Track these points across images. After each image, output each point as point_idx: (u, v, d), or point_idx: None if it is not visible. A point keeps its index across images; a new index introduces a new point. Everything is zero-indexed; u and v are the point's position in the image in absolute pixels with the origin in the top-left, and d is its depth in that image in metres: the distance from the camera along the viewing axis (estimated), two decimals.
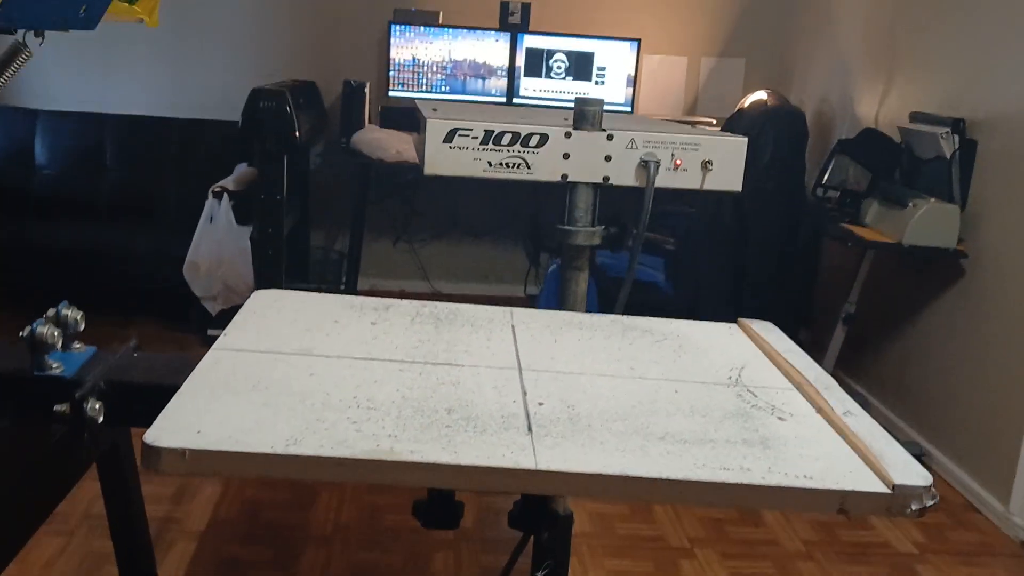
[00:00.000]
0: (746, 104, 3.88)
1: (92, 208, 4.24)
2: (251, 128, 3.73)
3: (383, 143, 3.90)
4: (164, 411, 0.92)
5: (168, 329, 3.90)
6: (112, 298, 3.83)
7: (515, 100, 4.29)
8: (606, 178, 1.57)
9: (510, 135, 1.53)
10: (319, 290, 4.50)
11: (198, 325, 3.81)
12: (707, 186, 1.58)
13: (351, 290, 4.54)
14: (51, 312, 1.09)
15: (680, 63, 4.48)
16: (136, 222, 4.17)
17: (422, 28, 4.20)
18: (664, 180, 1.57)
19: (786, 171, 3.53)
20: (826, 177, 3.53)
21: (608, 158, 1.56)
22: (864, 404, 3.59)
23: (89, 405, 1.02)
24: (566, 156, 1.55)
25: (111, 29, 4.35)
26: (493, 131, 1.53)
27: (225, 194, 3.74)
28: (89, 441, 1.08)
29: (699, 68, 4.52)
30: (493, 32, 4.24)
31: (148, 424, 0.89)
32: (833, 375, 3.57)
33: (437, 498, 1.14)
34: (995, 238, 2.96)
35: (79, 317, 1.12)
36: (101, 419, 1.03)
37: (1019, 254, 2.84)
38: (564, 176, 1.56)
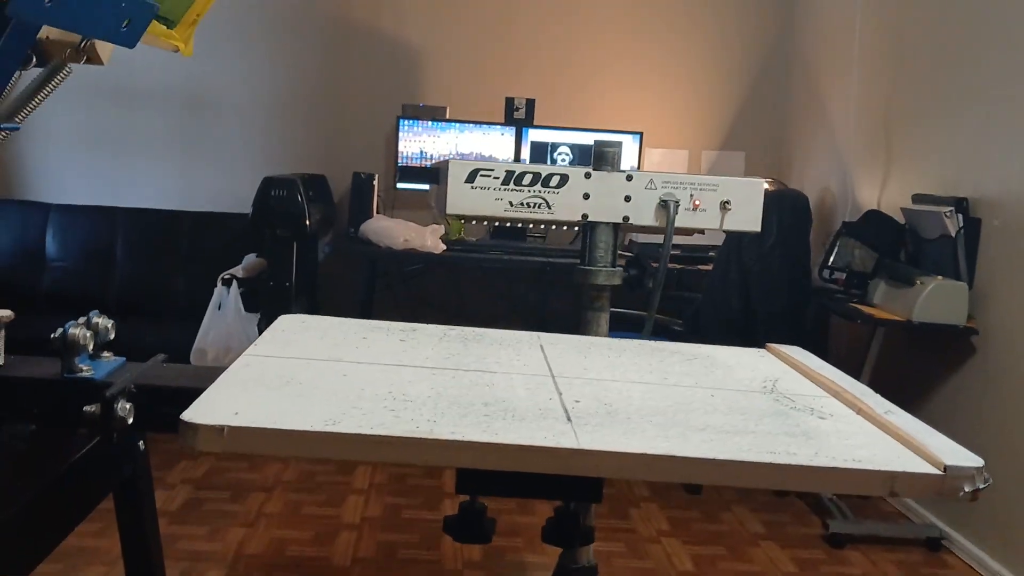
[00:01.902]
0: None
1: (100, 301, 4.24)
2: (262, 215, 3.79)
3: (391, 232, 3.95)
4: (199, 398, 0.91)
5: (163, 433, 3.86)
6: None
7: None
8: (626, 218, 1.58)
9: (531, 175, 1.56)
10: None
11: None
12: (726, 226, 1.60)
13: None
14: (82, 319, 1.08)
15: (681, 156, 4.57)
16: (144, 315, 4.16)
17: (430, 122, 4.31)
18: (684, 220, 1.59)
19: (791, 253, 3.55)
20: (832, 259, 3.56)
21: (628, 198, 1.58)
22: None
23: (119, 406, 1.00)
24: (586, 196, 1.57)
25: (123, 122, 4.46)
26: (514, 172, 1.56)
27: (234, 281, 3.76)
28: (118, 445, 1.06)
29: (700, 160, 4.62)
30: (499, 126, 4.35)
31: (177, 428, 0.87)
32: None
33: (469, 511, 1.11)
34: (1005, 315, 2.96)
35: (110, 326, 1.11)
36: (131, 420, 1.01)
37: None
38: (584, 216, 1.58)
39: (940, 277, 3.08)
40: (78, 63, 1.26)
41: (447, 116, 4.35)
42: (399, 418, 0.90)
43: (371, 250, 3.99)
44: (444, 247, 3.97)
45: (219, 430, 0.84)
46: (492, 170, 1.56)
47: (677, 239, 4.25)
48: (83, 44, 1.15)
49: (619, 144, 1.60)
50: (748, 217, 1.61)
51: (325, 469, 3.49)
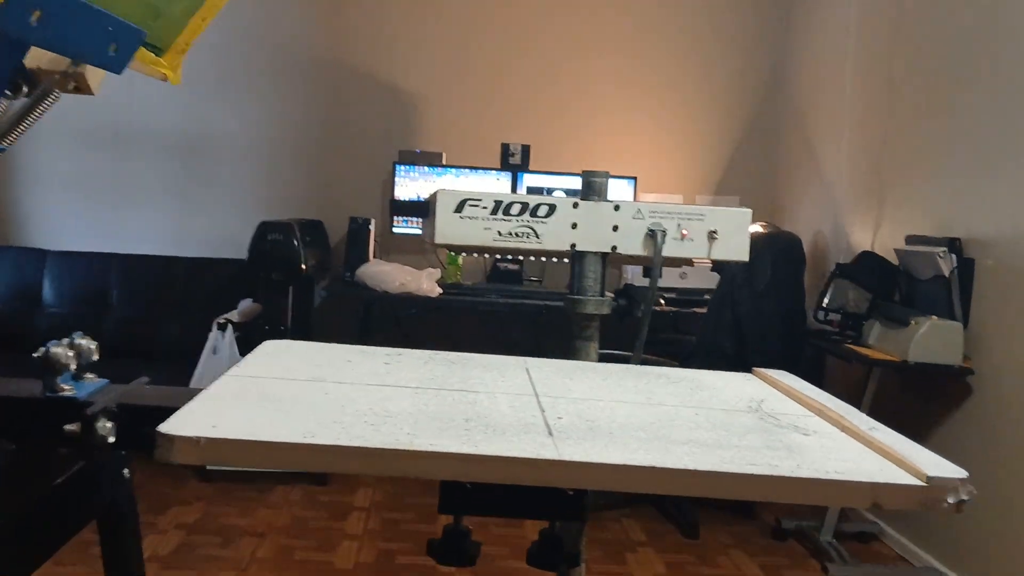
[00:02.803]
0: None
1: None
2: (258, 260, 3.81)
3: (387, 275, 3.96)
4: (177, 412, 0.90)
5: (165, 465, 3.83)
6: None
7: None
8: (614, 247, 1.59)
9: (519, 205, 1.57)
10: None
11: None
12: (714, 255, 1.60)
13: None
14: (65, 340, 1.08)
15: (676, 200, 4.60)
16: (139, 360, 4.15)
17: (426, 168, 4.35)
18: (671, 249, 1.59)
19: (785, 295, 3.56)
20: (826, 300, 3.57)
21: (616, 228, 1.58)
22: (877, 532, 3.50)
23: (100, 424, 1.00)
24: (574, 226, 1.58)
25: (119, 168, 4.50)
26: (502, 201, 1.56)
27: (229, 325, 3.76)
28: (101, 470, 1.05)
29: (694, 205, 4.65)
30: (494, 171, 4.38)
31: None
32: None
33: (453, 534, 1.10)
34: (1000, 354, 2.96)
35: (93, 347, 1.11)
36: (112, 439, 1.00)
37: None
38: (572, 245, 1.58)
39: (935, 317, 3.09)
40: (67, 90, 1.27)
41: (443, 161, 4.39)
42: (378, 431, 0.90)
43: (367, 294, 4.00)
44: (440, 291, 3.98)
45: (195, 441, 0.83)
46: (480, 200, 1.56)
47: (671, 282, 4.26)
48: (72, 70, 1.16)
49: (606, 174, 1.62)
50: (736, 247, 1.61)
51: (317, 515, 3.46)
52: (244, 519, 3.37)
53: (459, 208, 1.57)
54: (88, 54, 1.06)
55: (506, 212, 1.57)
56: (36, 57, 1.25)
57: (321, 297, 4.44)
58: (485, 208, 1.57)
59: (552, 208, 1.58)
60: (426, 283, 3.95)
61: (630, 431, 0.98)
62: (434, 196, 1.59)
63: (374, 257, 4.26)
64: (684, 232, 1.60)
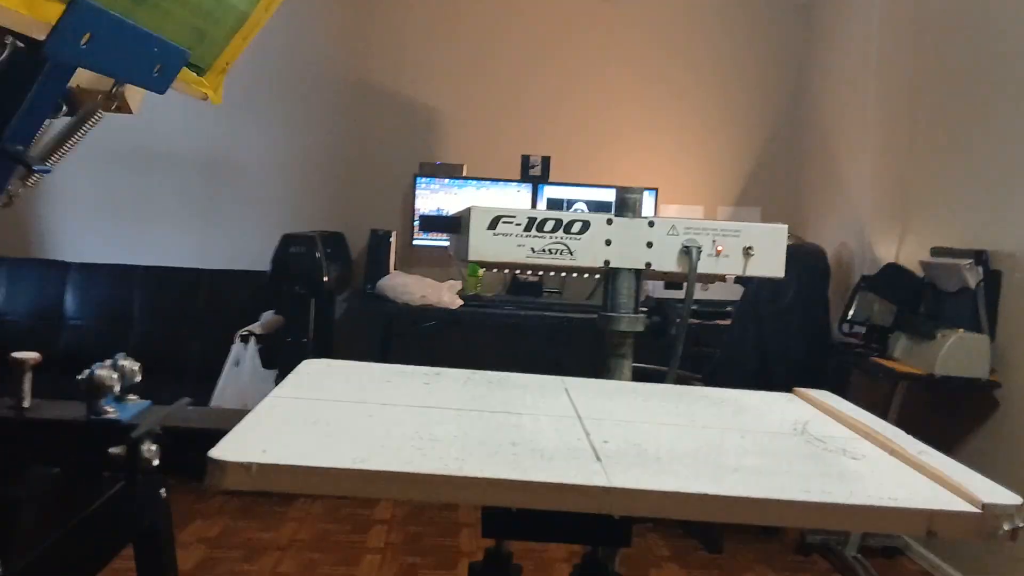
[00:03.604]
0: None
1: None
2: (280, 272, 3.82)
3: (409, 288, 3.96)
4: (226, 436, 0.90)
5: (188, 478, 3.83)
6: None
7: None
8: (648, 264, 1.58)
9: (553, 222, 1.56)
10: None
11: None
12: (749, 272, 1.59)
13: None
14: (108, 361, 1.08)
15: (697, 212, 4.59)
16: (162, 372, 4.13)
17: (447, 180, 4.35)
18: (706, 266, 1.58)
19: (809, 307, 3.54)
20: (851, 313, 3.55)
21: (650, 244, 1.58)
22: (905, 546, 3.47)
23: (145, 447, 1.00)
24: (608, 242, 1.57)
25: (143, 182, 4.52)
26: (536, 218, 1.56)
27: (252, 338, 3.77)
28: (141, 492, 1.05)
29: (716, 216, 4.63)
30: (515, 183, 4.38)
31: (203, 473, 0.87)
32: None
33: (495, 557, 1.09)
34: None
35: (136, 368, 1.11)
36: (156, 462, 1.00)
37: None
38: (606, 262, 1.57)
39: (961, 330, 3.06)
40: (109, 111, 1.28)
41: (464, 173, 4.39)
42: (426, 456, 0.89)
43: (388, 306, 4.00)
44: (461, 302, 3.98)
45: (247, 467, 0.83)
46: (514, 216, 1.56)
47: (695, 295, 4.23)
48: (114, 90, 1.17)
49: (641, 191, 1.61)
50: (771, 263, 1.61)
51: (340, 528, 3.45)
52: (267, 533, 3.37)
53: (492, 225, 1.56)
54: (133, 75, 1.07)
55: (540, 229, 1.56)
56: (76, 77, 1.26)
57: (343, 309, 4.45)
58: (519, 225, 1.56)
59: (586, 225, 1.57)
60: (447, 295, 3.95)
61: (678, 456, 0.97)
62: (467, 212, 1.59)
63: (395, 269, 4.26)
64: (719, 248, 1.59)
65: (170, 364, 4.24)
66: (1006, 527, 0.86)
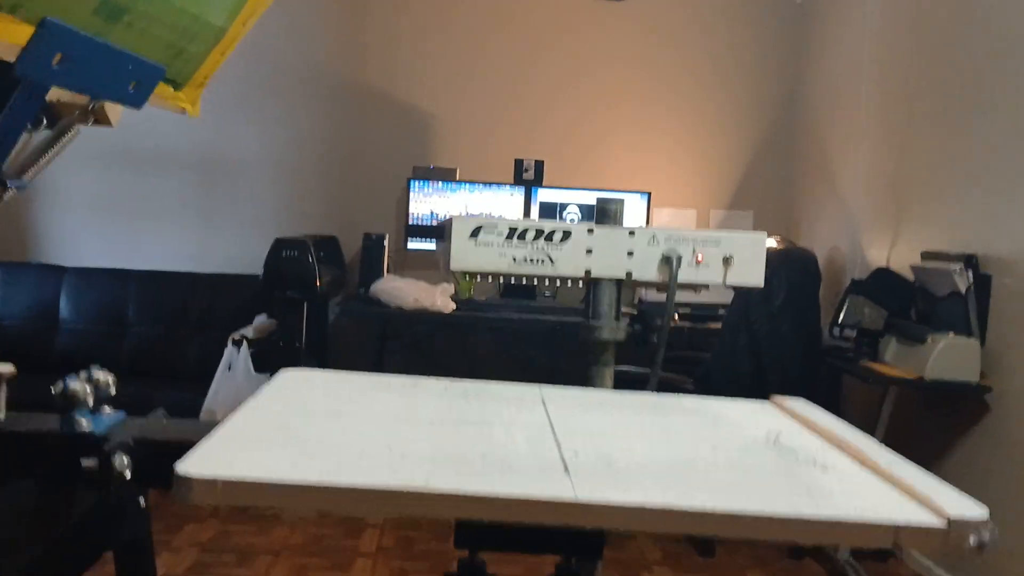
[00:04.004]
0: None
1: (113, 363, 4.22)
2: (273, 276, 3.82)
3: (402, 291, 3.97)
4: (193, 450, 0.90)
5: (163, 491, 3.83)
6: None
7: None
8: (629, 273, 1.59)
9: (534, 231, 1.57)
10: None
11: None
12: (729, 281, 1.60)
13: None
14: (83, 373, 1.09)
15: (690, 215, 4.60)
16: (156, 376, 4.18)
17: (440, 184, 4.35)
18: (687, 275, 1.59)
19: (800, 311, 3.55)
20: (842, 317, 3.55)
21: (631, 254, 1.58)
22: (896, 551, 3.47)
23: (117, 460, 1.00)
24: (589, 252, 1.58)
25: (136, 186, 4.53)
26: (517, 228, 1.57)
27: (245, 342, 3.77)
28: (118, 502, 1.05)
29: (708, 219, 4.64)
30: (508, 187, 4.39)
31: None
32: None
33: (469, 567, 1.10)
34: (1018, 372, 2.94)
35: (110, 380, 1.11)
36: (129, 475, 1.01)
37: None
38: (587, 272, 1.58)
39: (951, 334, 3.07)
40: (87, 124, 1.28)
41: (457, 177, 4.40)
42: (396, 473, 0.90)
43: (381, 310, 4.01)
44: (454, 306, 3.98)
45: (213, 483, 0.83)
46: (496, 226, 1.57)
47: (685, 297, 4.25)
48: (92, 106, 1.17)
49: (621, 201, 1.62)
50: (751, 272, 1.61)
51: (333, 533, 3.45)
52: (259, 537, 3.37)
53: (474, 234, 1.57)
54: (108, 92, 1.08)
55: (521, 238, 1.57)
56: (56, 91, 1.26)
57: (335, 313, 4.45)
58: (500, 234, 1.57)
59: (567, 234, 1.58)
60: (440, 299, 3.96)
61: (647, 470, 0.97)
62: (449, 222, 1.59)
63: (388, 273, 4.26)
64: (699, 258, 1.60)
65: (165, 368, 4.26)
66: (972, 542, 0.87)
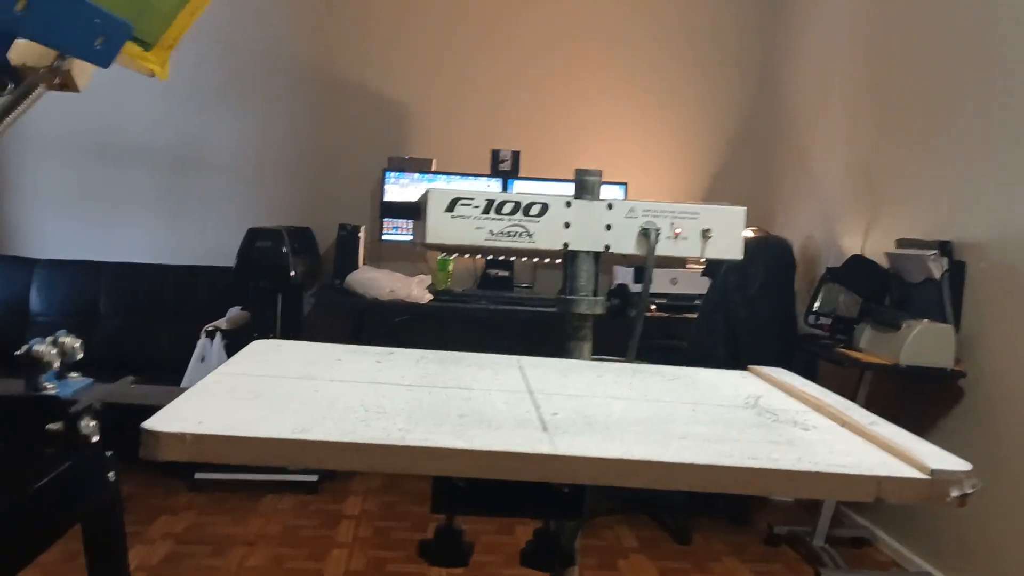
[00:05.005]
0: None
1: (85, 356, 4.17)
2: (247, 267, 3.78)
3: (377, 282, 3.94)
4: (163, 408, 0.88)
5: (155, 475, 3.79)
6: None
7: None
8: (607, 247, 1.57)
9: (511, 204, 1.55)
10: None
11: (185, 470, 3.71)
12: (707, 254, 1.59)
13: None
14: (48, 338, 1.06)
15: None
16: (129, 369, 4.09)
17: (416, 175, 4.33)
18: (664, 248, 1.58)
19: (776, 299, 3.55)
20: (817, 305, 3.56)
21: (608, 227, 1.57)
22: (870, 537, 3.49)
23: (83, 423, 0.98)
24: (567, 225, 1.56)
25: (108, 177, 4.47)
26: (494, 200, 1.55)
27: (218, 333, 3.73)
28: (87, 471, 1.03)
29: None
30: (485, 177, 4.37)
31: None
32: (836, 510, 3.46)
33: (445, 534, 1.08)
34: (992, 357, 2.95)
35: (77, 345, 1.09)
36: (96, 438, 0.98)
37: (1018, 373, 2.82)
38: (565, 244, 1.56)
39: (926, 320, 3.08)
40: (54, 84, 1.25)
41: (433, 168, 4.37)
42: (370, 427, 0.88)
43: (357, 301, 3.98)
44: (430, 297, 3.96)
45: (181, 438, 0.81)
46: (472, 199, 1.55)
47: (663, 288, 4.23)
48: (57, 64, 1.14)
49: (599, 172, 1.60)
50: (729, 245, 1.60)
51: (309, 524, 3.42)
52: (235, 528, 3.33)
53: (451, 207, 1.55)
54: (74, 47, 1.05)
55: (498, 211, 1.55)
56: (22, 54, 1.23)
57: (310, 304, 4.41)
58: (477, 207, 1.55)
59: (545, 207, 1.56)
60: (416, 290, 3.93)
61: (626, 425, 0.96)
62: (425, 195, 1.57)
63: (364, 264, 4.23)
64: (677, 231, 1.58)
65: (138, 360, 4.19)
66: (954, 493, 0.86)
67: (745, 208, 1.62)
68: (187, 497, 3.62)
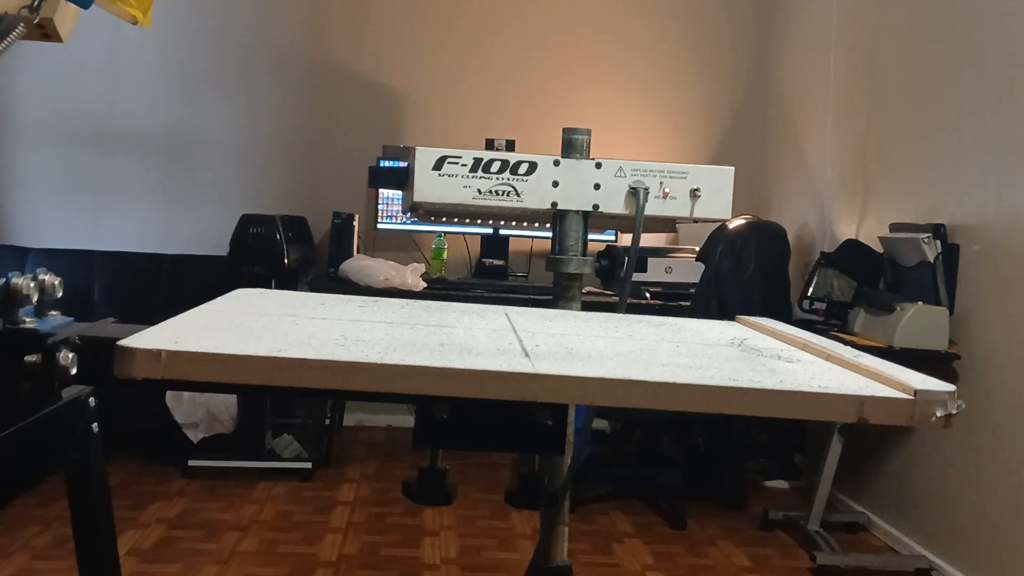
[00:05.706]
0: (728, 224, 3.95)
1: None
2: (240, 253, 3.77)
3: (371, 271, 3.93)
4: (140, 332, 0.87)
5: (148, 463, 3.78)
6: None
7: (502, 229, 4.36)
8: (596, 206, 1.56)
9: (499, 163, 1.54)
10: (304, 425, 4.31)
11: (178, 457, 3.70)
12: (696, 214, 1.58)
13: (337, 425, 4.44)
14: (27, 274, 1.05)
15: None
16: None
17: None
18: (653, 208, 1.57)
19: (771, 283, 3.55)
20: (811, 289, 3.55)
21: (597, 186, 1.56)
22: (865, 522, 3.48)
23: (61, 355, 0.96)
24: (555, 184, 1.55)
25: (102, 166, 4.46)
26: (482, 159, 1.54)
27: None
28: (67, 418, 1.02)
29: None
30: None
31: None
32: (831, 496, 3.44)
33: (429, 474, 1.07)
34: (986, 339, 2.95)
35: (57, 283, 1.08)
36: (74, 371, 0.97)
37: (1011, 355, 2.82)
38: (554, 204, 1.56)
39: (920, 303, 3.07)
40: (36, 36, 1.25)
41: None
42: (349, 351, 0.87)
43: (351, 289, 3.96)
44: (424, 285, 3.95)
45: (156, 355, 0.80)
46: (460, 157, 1.54)
47: (657, 276, 4.20)
48: (35, 3, 1.13)
49: (588, 131, 1.60)
50: (718, 205, 1.59)
51: (302, 509, 3.41)
52: (227, 514, 3.32)
53: (438, 165, 1.54)
54: None
55: (486, 170, 1.55)
56: (3, 4, 1.22)
57: (304, 292, 4.40)
58: (464, 166, 1.54)
59: (533, 165, 1.55)
60: (410, 278, 3.92)
61: (609, 356, 0.95)
62: (412, 154, 1.57)
63: (358, 252, 4.22)
64: (666, 190, 1.58)
65: None
66: (939, 413, 0.85)
67: (734, 168, 1.61)
68: (180, 484, 3.61)
